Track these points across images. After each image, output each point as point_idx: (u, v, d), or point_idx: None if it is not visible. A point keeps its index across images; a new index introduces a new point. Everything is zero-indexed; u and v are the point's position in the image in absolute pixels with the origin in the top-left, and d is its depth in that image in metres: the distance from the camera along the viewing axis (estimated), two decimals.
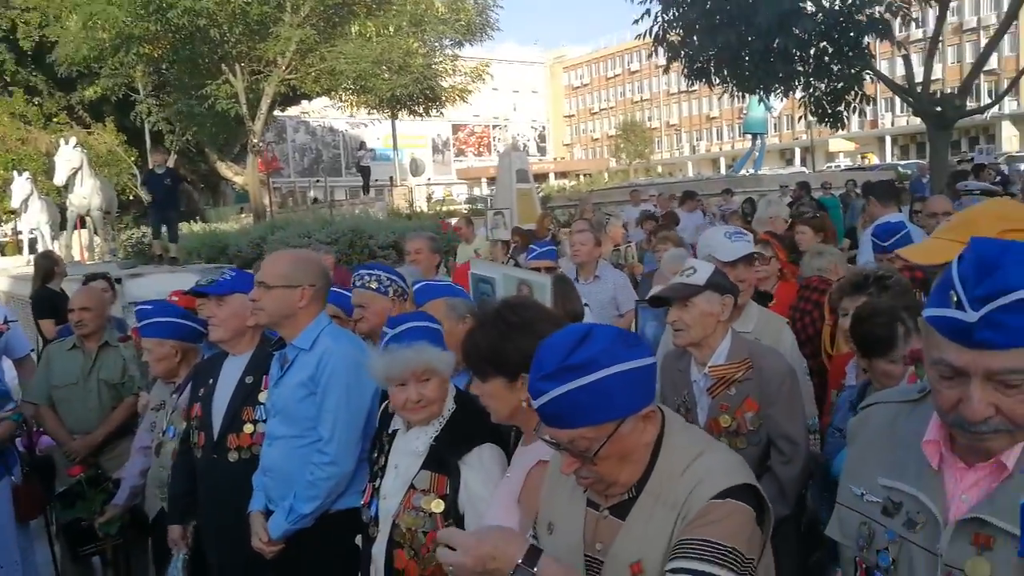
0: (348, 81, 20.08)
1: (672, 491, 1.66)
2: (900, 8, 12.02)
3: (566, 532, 1.82)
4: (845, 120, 13.23)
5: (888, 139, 64.07)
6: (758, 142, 25.81)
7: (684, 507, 1.62)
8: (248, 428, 3.35)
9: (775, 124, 55.12)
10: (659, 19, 12.92)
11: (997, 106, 55.17)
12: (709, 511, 1.60)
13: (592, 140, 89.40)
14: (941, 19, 12.33)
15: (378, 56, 19.21)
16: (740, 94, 13.88)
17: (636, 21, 13.30)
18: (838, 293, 3.27)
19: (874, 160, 56.78)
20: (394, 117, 24.44)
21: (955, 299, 1.28)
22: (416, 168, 48.51)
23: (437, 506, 2.46)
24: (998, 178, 14.18)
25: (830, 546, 2.75)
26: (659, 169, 66.12)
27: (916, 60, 13.63)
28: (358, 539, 2.86)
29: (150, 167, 14.90)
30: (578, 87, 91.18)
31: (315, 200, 35.72)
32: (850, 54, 11.76)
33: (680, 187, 20.50)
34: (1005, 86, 19.32)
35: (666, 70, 13.81)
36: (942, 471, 1.45)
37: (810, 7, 11.35)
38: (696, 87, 69.82)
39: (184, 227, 15.05)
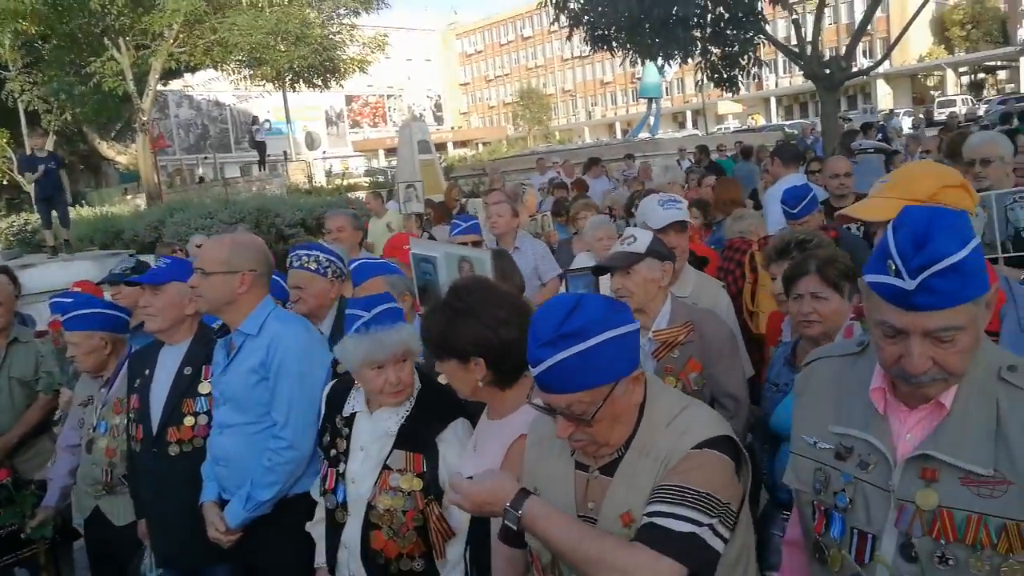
0: (242, 54, 19.30)
1: (656, 445, 1.76)
2: None
3: (556, 494, 1.88)
4: (740, 83, 13.68)
5: (773, 100, 66.37)
6: (653, 106, 26.35)
7: (667, 457, 1.72)
8: (189, 421, 3.27)
9: (667, 88, 56.21)
10: None
11: (869, 65, 58.12)
12: (688, 459, 1.71)
13: (489, 108, 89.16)
14: None
15: (273, 27, 18.54)
16: (635, 60, 14.11)
17: None
18: (765, 259, 3.42)
19: (760, 121, 58.79)
20: (292, 89, 23.62)
21: (893, 268, 1.45)
22: (312, 142, 47.31)
23: (416, 484, 2.49)
24: (879, 135, 14.99)
25: (774, 494, 2.92)
26: (556, 136, 66.48)
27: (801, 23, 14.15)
28: (308, 526, 2.86)
29: (28, 151, 14.04)
30: (472, 54, 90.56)
31: (200, 180, 34.33)
32: (745, 20, 12.20)
33: (582, 153, 20.78)
34: (879, 46, 20.37)
35: (568, 37, 13.91)
36: (887, 415, 1.62)
37: None
38: (589, 53, 70.53)
39: (72, 213, 14.28)
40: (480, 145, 60.94)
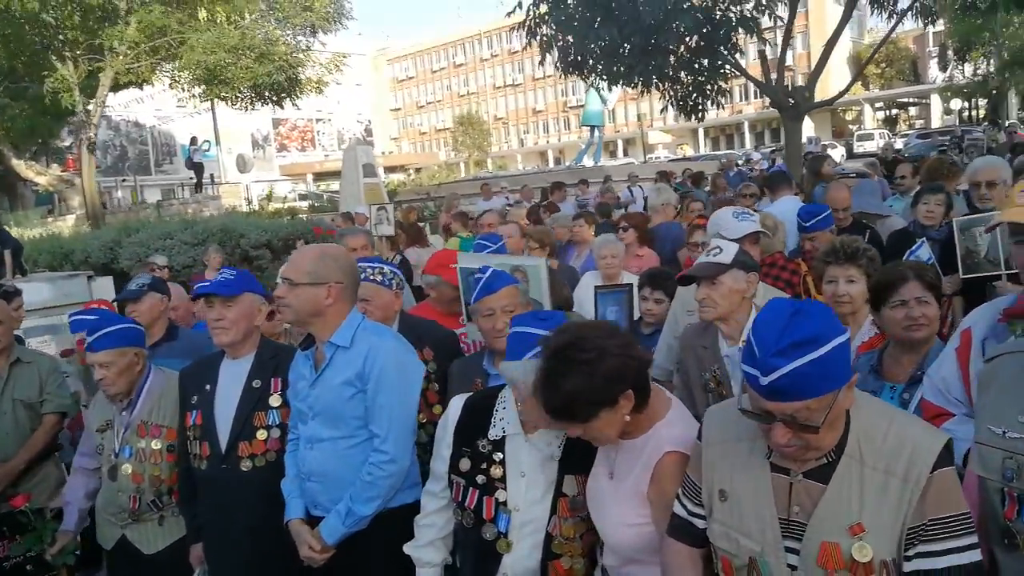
0: (199, 71, 18.68)
1: (879, 455, 1.77)
2: (768, 7, 12.93)
3: (750, 498, 1.89)
4: (705, 111, 14.07)
5: (701, 131, 68.21)
6: (596, 134, 26.81)
7: (906, 475, 1.73)
8: (261, 435, 3.20)
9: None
10: (531, 12, 13.19)
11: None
12: (939, 483, 1.73)
13: (420, 134, 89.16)
14: (791, 18, 13.35)
15: (237, 43, 18.11)
16: (605, 85, 14.33)
17: (509, 14, 13.49)
18: (826, 259, 3.52)
19: (688, 151, 60.37)
20: (246, 109, 22.98)
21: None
22: (243, 164, 46.33)
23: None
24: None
25: None
26: (489, 163, 66.87)
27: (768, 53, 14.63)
28: (409, 547, 2.75)
29: None
30: (403, 80, 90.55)
31: (141, 202, 33.16)
32: (721, 49, 12.56)
33: (523, 180, 20.95)
34: (800, 80, 21.39)
35: (541, 62, 14.07)
36: None
37: (684, 5, 11.97)
38: (521, 81, 70.73)
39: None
40: (412, 171, 60.78)
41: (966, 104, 48.23)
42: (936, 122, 52.45)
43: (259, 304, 3.35)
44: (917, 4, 13.97)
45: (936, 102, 56.49)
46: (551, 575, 2.42)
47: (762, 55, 13.52)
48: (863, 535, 1.73)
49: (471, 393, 2.77)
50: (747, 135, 65.38)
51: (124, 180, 44.53)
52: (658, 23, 11.56)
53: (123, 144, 59.84)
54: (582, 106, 70.43)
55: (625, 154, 60.07)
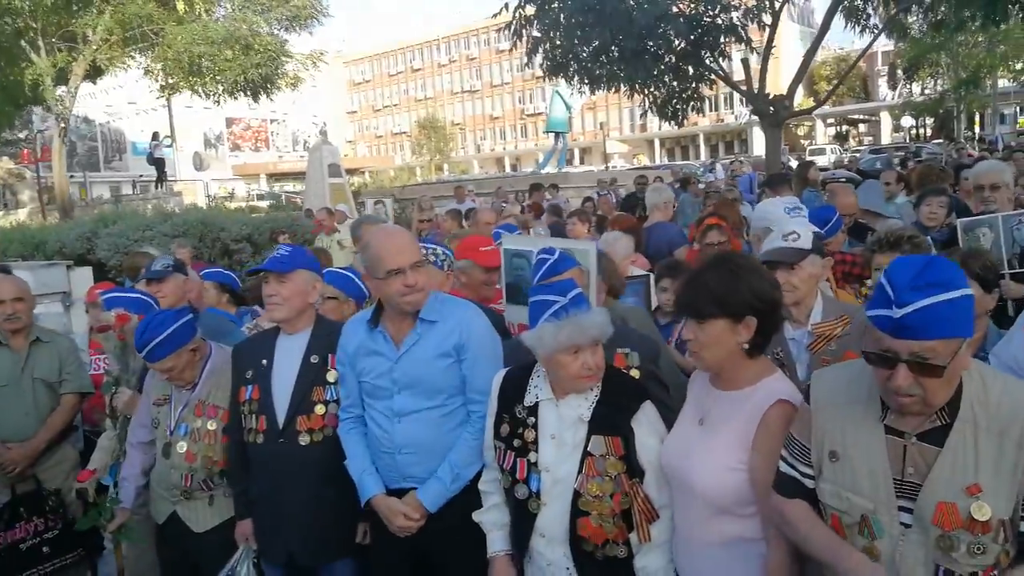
0: (183, 62, 18.25)
1: (994, 419, 1.85)
2: (756, 15, 13.23)
3: (863, 458, 1.98)
4: (685, 118, 14.31)
5: (656, 141, 69.21)
6: (560, 141, 26.95)
7: (1021, 439, 1.82)
8: (319, 409, 3.20)
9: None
10: (518, 13, 13.29)
11: (747, 113, 61.67)
12: None
13: (376, 137, 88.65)
14: (774, 27, 13.67)
15: (223, 36, 17.80)
16: (589, 88, 14.43)
17: (495, 15, 13.57)
18: (872, 249, 3.65)
19: (644, 161, 61.18)
20: (218, 103, 22.51)
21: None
22: (200, 163, 45.60)
23: (619, 467, 2.51)
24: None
25: None
26: (445, 168, 66.79)
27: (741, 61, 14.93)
28: (476, 515, 2.83)
29: None
30: (360, 83, 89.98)
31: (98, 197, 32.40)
32: (706, 57, 12.83)
33: (488, 184, 20.98)
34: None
35: (527, 64, 14.17)
36: None
37: (675, 10, 12.18)
38: (479, 87, 70.66)
39: None
40: (367, 173, 60.40)
41: (913, 122, 49.83)
42: (886, 139, 54.03)
43: (313, 281, 3.36)
44: (897, 17, 14.44)
45: (886, 119, 58.19)
46: (580, 532, 2.51)
47: (745, 63, 13.81)
48: (980, 495, 1.81)
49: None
50: (702, 147, 66.49)
51: (72, 176, 43.43)
52: (649, 27, 11.83)
53: (72, 140, 58.34)
54: (540, 114, 70.74)
55: (582, 162, 60.48)
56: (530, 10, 13.05)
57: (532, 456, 2.61)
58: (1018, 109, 47.25)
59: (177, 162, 40.95)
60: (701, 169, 31.15)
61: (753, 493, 2.28)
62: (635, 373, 2.93)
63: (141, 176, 41.28)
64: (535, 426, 2.63)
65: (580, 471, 2.52)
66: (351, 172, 63.38)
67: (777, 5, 14.03)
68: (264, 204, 30.52)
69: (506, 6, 13.24)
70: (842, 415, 2.05)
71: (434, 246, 3.69)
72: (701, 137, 66.15)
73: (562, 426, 2.60)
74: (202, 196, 33.81)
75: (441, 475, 2.90)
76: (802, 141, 58.46)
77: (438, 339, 2.92)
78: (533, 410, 2.66)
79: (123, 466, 3.67)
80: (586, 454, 2.53)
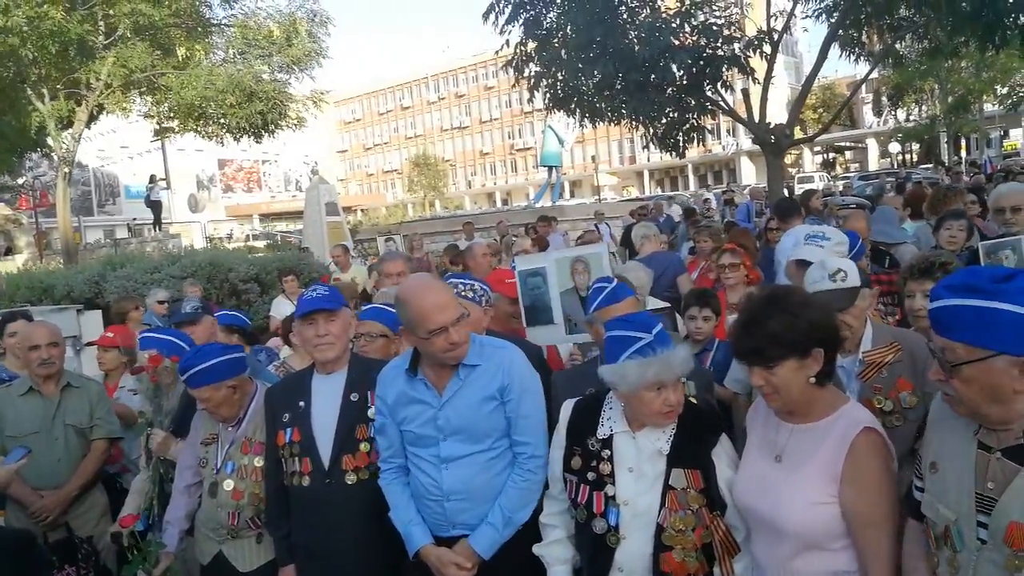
0: (185, 107, 18.34)
1: None
2: (758, 45, 13.43)
3: (955, 470, 1.98)
4: (686, 149, 14.44)
5: (646, 173, 69.71)
6: (554, 174, 27.16)
7: None
8: (364, 447, 3.18)
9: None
10: (518, 51, 13.46)
11: (735, 144, 62.33)
12: None
13: (368, 175, 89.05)
14: (773, 57, 13.87)
15: (226, 84, 17.93)
16: (590, 122, 14.59)
17: (497, 52, 13.74)
18: (903, 280, 3.66)
19: (634, 192, 61.53)
20: (222, 144, 22.60)
21: None
22: (195, 204, 45.69)
23: (700, 500, 2.49)
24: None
25: None
26: (436, 204, 67.06)
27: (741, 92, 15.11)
28: (536, 548, 2.81)
29: None
30: (350, 122, 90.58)
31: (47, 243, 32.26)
32: (708, 88, 13.01)
33: (485, 219, 21.07)
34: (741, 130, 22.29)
35: (530, 100, 14.32)
36: None
37: (677, 43, 12.37)
38: (468, 124, 71.12)
39: None
40: (359, 212, 60.66)
41: (900, 148, 50.39)
42: (873, 165, 54.57)
43: (351, 318, 3.37)
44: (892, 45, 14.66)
45: (873, 146, 58.82)
46: (664, 567, 2.48)
47: (745, 93, 13.99)
48: None
49: (581, 397, 2.87)
50: (691, 177, 66.98)
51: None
52: (653, 59, 12.00)
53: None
54: (529, 148, 71.04)
55: (572, 195, 60.89)
56: (531, 45, 13.24)
57: (610, 489, 2.58)
58: (1002, 132, 47.92)
59: (172, 205, 41.04)
60: (692, 200, 31.35)
61: (843, 526, 2.25)
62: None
63: (135, 219, 41.38)
64: (611, 459, 2.61)
65: (663, 505, 2.50)
66: (344, 210, 63.84)
67: (776, 36, 14.26)
68: (261, 244, 30.60)
69: (507, 42, 13.42)
70: (946, 428, 2.06)
71: (472, 282, 3.66)
72: (690, 168, 66.67)
73: (641, 459, 2.57)
74: (199, 237, 33.80)
75: (493, 520, 2.85)
76: (790, 169, 58.98)
77: (481, 383, 2.88)
78: (607, 443, 2.63)
79: (168, 509, 3.64)
80: (667, 487, 2.51)
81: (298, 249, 16.61)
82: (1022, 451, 1.88)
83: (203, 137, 21.05)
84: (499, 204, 67.74)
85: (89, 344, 5.40)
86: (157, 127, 21.19)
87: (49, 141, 18.21)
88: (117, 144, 46.63)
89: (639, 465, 2.57)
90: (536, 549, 2.82)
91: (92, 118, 19.05)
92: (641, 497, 2.53)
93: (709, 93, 13.54)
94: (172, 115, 19.44)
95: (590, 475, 2.62)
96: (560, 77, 13.46)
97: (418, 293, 2.83)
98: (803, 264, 3.68)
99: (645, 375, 2.45)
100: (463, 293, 3.55)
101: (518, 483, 2.87)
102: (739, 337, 2.36)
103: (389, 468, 3.05)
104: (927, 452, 2.11)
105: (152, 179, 27.07)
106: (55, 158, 19.05)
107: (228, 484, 3.42)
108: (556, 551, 2.78)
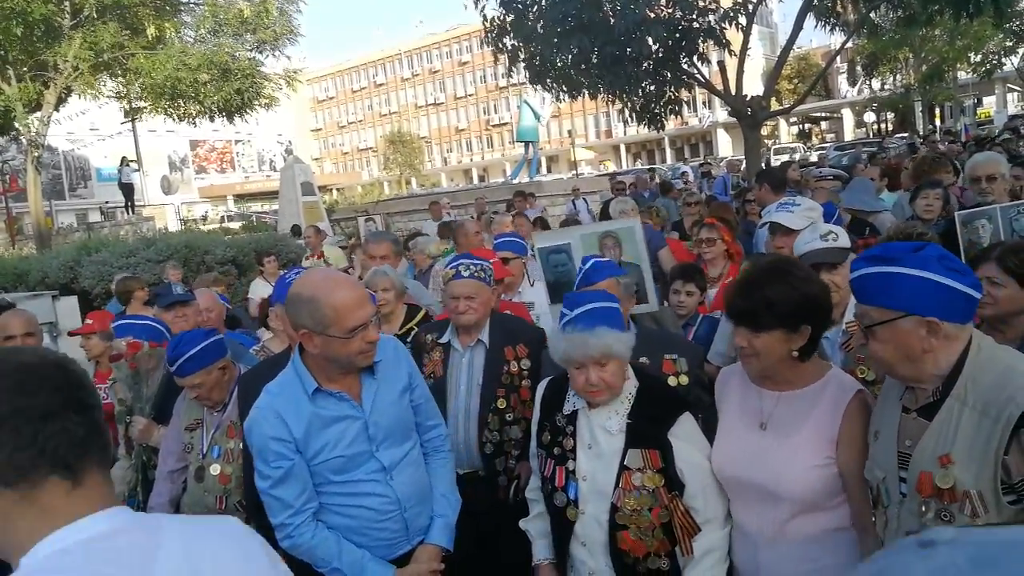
0: (159, 87, 18.00)
1: (980, 396, 1.90)
2: (734, 17, 13.40)
3: (886, 435, 2.10)
4: (665, 121, 14.43)
5: (623, 147, 69.64)
6: (531, 150, 27.01)
7: (998, 415, 1.85)
8: None
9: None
10: (494, 23, 13.36)
11: (711, 116, 62.39)
12: None
13: (343, 154, 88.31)
14: (748, 29, 13.86)
15: (200, 62, 17.62)
16: (568, 95, 14.53)
17: (480, 9, 13.55)
18: None
19: (611, 167, 61.48)
20: (194, 125, 22.29)
21: None
22: (168, 186, 45.11)
23: (657, 480, 2.49)
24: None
25: None
26: (412, 182, 66.64)
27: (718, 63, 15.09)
28: (523, 522, 2.84)
29: None
30: (324, 100, 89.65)
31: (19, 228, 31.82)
32: (684, 61, 12.99)
33: (461, 196, 20.94)
34: (717, 101, 22.31)
35: (508, 73, 14.25)
36: None
37: (653, 16, 12.31)
38: (443, 100, 70.55)
39: None
40: (335, 191, 60.19)
41: (875, 118, 50.67)
42: (848, 135, 54.79)
43: None
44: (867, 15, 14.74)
45: (848, 116, 59.03)
46: (620, 545, 2.50)
47: (721, 65, 13.99)
48: (950, 466, 1.89)
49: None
50: (668, 151, 67.01)
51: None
52: (628, 32, 11.96)
53: (35, 168, 57.39)
54: (505, 124, 70.55)
55: (549, 170, 60.71)
56: (509, 18, 13.14)
57: (570, 464, 2.61)
58: (976, 100, 48.25)
59: (144, 187, 40.50)
60: (669, 173, 31.44)
61: (839, 485, 2.32)
62: (684, 379, 2.94)
63: (107, 202, 40.90)
64: (573, 435, 2.64)
65: (617, 485, 2.51)
66: (319, 190, 63.29)
67: (751, 7, 14.26)
68: (236, 225, 30.34)
69: (484, 16, 13.30)
70: (885, 398, 2.18)
71: (480, 262, 3.58)
72: (667, 141, 66.68)
73: (596, 436, 2.60)
74: (173, 220, 33.47)
75: (441, 511, 2.84)
76: (766, 141, 59.16)
77: (393, 377, 2.74)
78: (571, 418, 2.66)
79: (152, 495, 3.62)
80: (623, 467, 2.52)
81: (290, 231, 16.43)
82: (934, 408, 1.99)
83: (175, 119, 20.77)
84: (476, 181, 67.37)
85: (72, 334, 5.31)
86: (127, 108, 20.89)
87: (17, 125, 17.88)
88: (87, 126, 46.02)
89: (596, 442, 2.59)
90: (522, 523, 2.86)
91: (61, 100, 18.77)
92: (599, 474, 2.55)
93: (685, 66, 13.53)
94: (143, 95, 19.17)
95: (555, 450, 2.67)
96: (536, 49, 13.38)
97: (329, 288, 2.51)
98: (776, 227, 3.70)
99: (559, 351, 2.53)
100: (476, 274, 3.51)
101: (445, 465, 2.90)
102: (734, 297, 2.39)
103: (304, 520, 2.58)
104: (872, 422, 2.21)
105: (124, 161, 26.69)
106: (23, 141, 18.69)
107: (215, 468, 3.42)
108: (538, 525, 2.81)
